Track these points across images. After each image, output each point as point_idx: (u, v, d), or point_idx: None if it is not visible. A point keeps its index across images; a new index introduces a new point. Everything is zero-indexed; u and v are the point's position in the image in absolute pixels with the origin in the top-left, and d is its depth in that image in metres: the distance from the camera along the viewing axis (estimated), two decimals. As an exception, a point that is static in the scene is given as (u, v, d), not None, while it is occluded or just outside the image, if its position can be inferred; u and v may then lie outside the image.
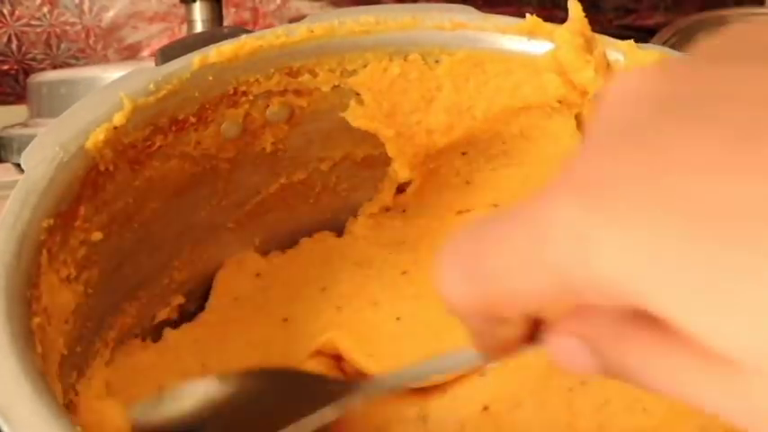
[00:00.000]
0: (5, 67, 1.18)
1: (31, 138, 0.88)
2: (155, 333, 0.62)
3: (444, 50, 0.61)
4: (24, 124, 0.96)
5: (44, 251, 0.48)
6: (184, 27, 1.04)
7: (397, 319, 0.59)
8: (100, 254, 0.55)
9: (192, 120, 0.58)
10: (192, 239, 0.64)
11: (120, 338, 0.59)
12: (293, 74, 0.59)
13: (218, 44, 0.58)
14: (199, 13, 0.96)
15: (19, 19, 1.15)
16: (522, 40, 0.59)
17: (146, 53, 1.18)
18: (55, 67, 1.18)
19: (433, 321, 0.57)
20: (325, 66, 0.59)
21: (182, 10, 1.02)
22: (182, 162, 0.59)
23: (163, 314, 0.63)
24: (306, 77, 0.59)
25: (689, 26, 0.83)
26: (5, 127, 0.97)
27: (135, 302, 0.61)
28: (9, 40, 1.16)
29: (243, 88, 0.59)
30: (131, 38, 1.18)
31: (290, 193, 0.67)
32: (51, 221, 0.49)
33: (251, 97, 0.59)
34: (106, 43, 1.18)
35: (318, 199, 0.68)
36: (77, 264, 0.53)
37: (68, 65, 1.18)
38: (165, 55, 0.62)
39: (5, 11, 1.15)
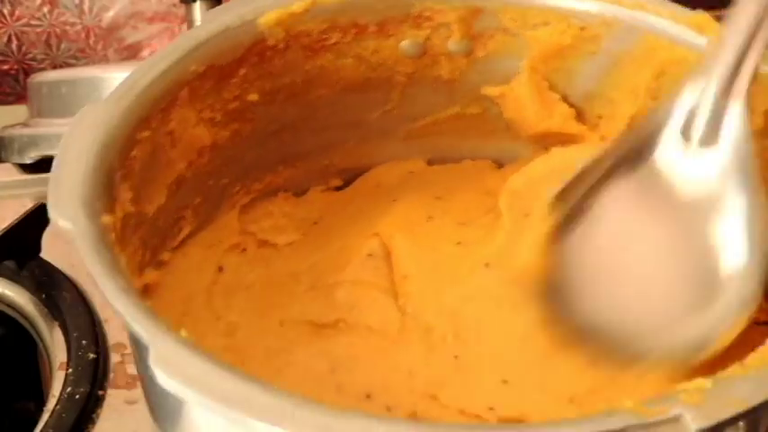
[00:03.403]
0: (5, 67, 1.18)
1: (31, 138, 0.90)
2: (301, 193, 0.68)
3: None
4: (24, 124, 0.96)
5: (186, 88, 0.55)
6: (184, 27, 1.07)
7: (458, 243, 0.62)
8: (256, 114, 0.61)
9: (373, 28, 0.61)
10: (359, 135, 0.68)
11: (266, 191, 0.65)
12: (475, 13, 0.61)
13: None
14: (199, 13, 0.96)
15: (19, 19, 1.15)
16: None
17: (146, 53, 1.19)
18: (55, 67, 1.18)
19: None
20: (508, 13, 0.60)
21: (182, 10, 1.04)
22: (357, 63, 0.63)
23: (318, 189, 0.68)
24: (488, 20, 0.61)
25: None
26: (5, 127, 0.96)
27: (290, 169, 0.66)
28: (9, 40, 1.16)
29: (427, 14, 0.61)
30: (131, 38, 1.19)
31: (463, 123, 0.69)
32: (201, 68, 0.55)
33: (434, 23, 0.62)
34: (106, 43, 1.18)
35: (490, 136, 0.70)
36: (227, 113, 0.59)
37: (68, 65, 1.18)
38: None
39: (5, 11, 1.14)
